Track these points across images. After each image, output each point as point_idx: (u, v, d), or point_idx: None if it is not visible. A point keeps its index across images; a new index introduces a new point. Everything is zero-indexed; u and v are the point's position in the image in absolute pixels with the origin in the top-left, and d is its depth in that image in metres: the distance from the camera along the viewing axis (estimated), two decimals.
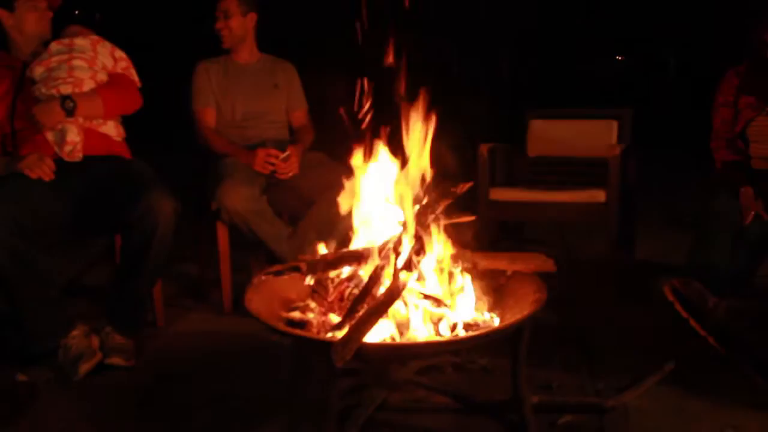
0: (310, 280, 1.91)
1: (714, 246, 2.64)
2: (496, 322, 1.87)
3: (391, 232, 1.93)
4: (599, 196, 3.42)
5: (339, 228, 2.18)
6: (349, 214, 2.06)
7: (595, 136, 3.91)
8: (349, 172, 2.04)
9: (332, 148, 3.15)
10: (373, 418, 2.04)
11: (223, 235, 3.08)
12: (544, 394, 2.20)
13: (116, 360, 2.48)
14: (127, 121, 2.91)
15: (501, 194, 3.59)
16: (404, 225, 1.88)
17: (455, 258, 1.95)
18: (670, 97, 10.51)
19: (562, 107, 4.30)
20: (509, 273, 2.00)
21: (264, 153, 3.09)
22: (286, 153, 3.11)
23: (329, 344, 1.56)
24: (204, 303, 3.21)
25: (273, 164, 3.08)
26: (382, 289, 1.79)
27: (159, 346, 2.73)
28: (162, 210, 2.50)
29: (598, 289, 3.25)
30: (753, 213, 2.64)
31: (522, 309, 1.82)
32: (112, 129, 2.80)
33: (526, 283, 1.94)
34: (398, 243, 1.84)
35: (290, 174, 3.11)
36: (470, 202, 2.71)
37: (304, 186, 3.08)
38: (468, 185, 1.97)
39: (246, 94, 3.30)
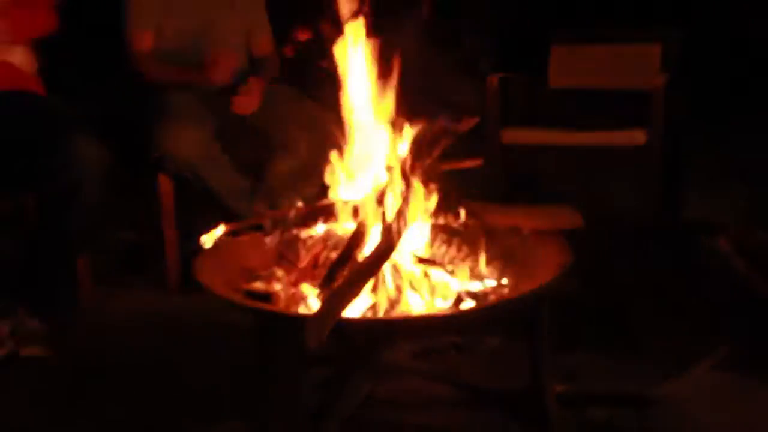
0: (275, 242, 1.90)
1: None
2: (509, 291, 1.87)
3: (378, 180, 1.92)
4: (639, 137, 3.42)
5: (314, 178, 2.17)
6: (328, 160, 2.05)
7: (634, 63, 3.90)
8: (327, 109, 2.03)
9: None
10: (356, 415, 2.04)
11: (166, 190, 3.07)
12: (570, 382, 2.21)
13: (32, 351, 2.48)
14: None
15: (516, 135, 3.58)
16: (393, 171, 1.87)
17: (459, 213, 1.95)
18: (731, 15, 10.44)
19: (593, 27, 4.26)
20: (526, 231, 1.99)
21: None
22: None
23: (301, 320, 1.56)
24: (143, 276, 3.22)
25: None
26: (367, 252, 1.78)
27: (87, 332, 2.72)
28: (86, 159, 2.48)
29: (636, 254, 3.26)
30: None
31: (541, 276, 1.81)
32: (19, 57, 2.75)
33: (546, 244, 1.94)
34: (385, 193, 1.83)
35: (250, 109, 3.09)
36: (478, 146, 2.69)
37: (269, 127, 3.08)
38: (473, 121, 1.95)
39: (196, 9, 3.25)
